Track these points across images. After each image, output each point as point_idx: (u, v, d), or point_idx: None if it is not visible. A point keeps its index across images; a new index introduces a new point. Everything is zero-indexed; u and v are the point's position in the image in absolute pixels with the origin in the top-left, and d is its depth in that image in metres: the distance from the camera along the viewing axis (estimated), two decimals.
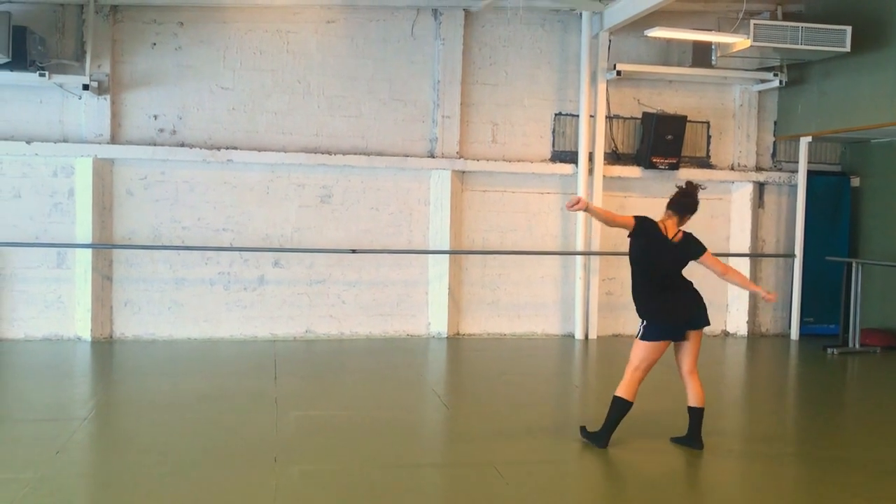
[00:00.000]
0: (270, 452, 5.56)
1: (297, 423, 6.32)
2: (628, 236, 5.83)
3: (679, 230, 5.83)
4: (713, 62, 10.37)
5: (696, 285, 5.92)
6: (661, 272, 5.80)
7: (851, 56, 9.55)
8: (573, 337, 10.53)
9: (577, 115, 10.46)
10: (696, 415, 5.91)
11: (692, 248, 5.85)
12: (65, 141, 9.27)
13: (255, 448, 5.68)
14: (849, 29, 9.35)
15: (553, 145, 10.54)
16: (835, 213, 11.17)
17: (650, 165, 10.55)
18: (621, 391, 5.80)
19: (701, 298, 5.88)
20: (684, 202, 5.82)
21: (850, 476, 5.55)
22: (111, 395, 7.30)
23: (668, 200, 5.87)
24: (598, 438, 5.86)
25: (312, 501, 4.81)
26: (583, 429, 6.01)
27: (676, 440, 6.01)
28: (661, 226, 5.79)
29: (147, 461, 5.39)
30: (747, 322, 11.08)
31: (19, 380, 7.95)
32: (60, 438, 5.76)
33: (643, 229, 5.75)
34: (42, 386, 7.53)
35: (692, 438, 5.92)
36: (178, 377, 8.00)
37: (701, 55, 10.43)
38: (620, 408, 5.80)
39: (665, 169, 10.59)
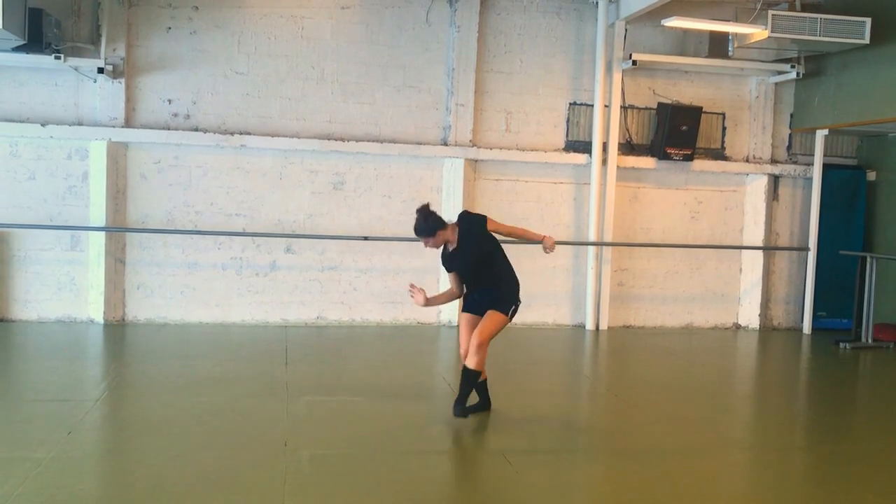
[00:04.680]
0: (281, 437, 5.58)
1: (308, 408, 6.35)
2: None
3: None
4: (730, 53, 10.31)
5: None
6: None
7: (870, 48, 9.46)
8: (584, 327, 10.52)
9: (592, 105, 10.41)
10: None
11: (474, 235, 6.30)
12: (79, 124, 9.31)
13: (266, 432, 5.71)
14: (868, 21, 9.26)
15: (567, 135, 10.50)
16: (850, 207, 11.09)
17: (664, 156, 10.50)
18: (475, 364, 6.04)
19: None
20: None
21: (858, 470, 5.52)
22: (123, 376, 7.34)
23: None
24: (458, 406, 6.16)
25: (322, 486, 4.82)
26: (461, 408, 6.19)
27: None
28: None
29: (158, 443, 5.43)
30: (759, 315, 11.03)
31: (32, 361, 8.01)
32: (72, 419, 5.80)
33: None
34: (54, 367, 7.57)
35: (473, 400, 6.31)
36: (189, 360, 8.03)
37: (717, 46, 10.36)
38: (475, 379, 6.13)
39: (679, 160, 10.54)
